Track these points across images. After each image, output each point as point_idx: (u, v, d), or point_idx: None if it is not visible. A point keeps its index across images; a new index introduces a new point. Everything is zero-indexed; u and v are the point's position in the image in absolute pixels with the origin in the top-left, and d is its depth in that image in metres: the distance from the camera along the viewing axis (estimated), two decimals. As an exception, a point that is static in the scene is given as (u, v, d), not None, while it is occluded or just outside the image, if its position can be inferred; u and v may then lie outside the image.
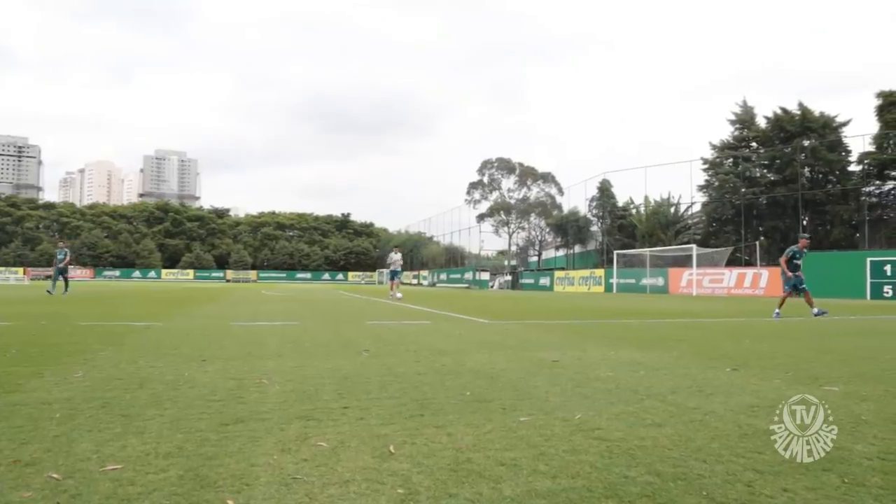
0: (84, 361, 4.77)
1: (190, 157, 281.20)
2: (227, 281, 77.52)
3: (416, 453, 2.43)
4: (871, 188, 36.36)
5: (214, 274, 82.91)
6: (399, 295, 19.59)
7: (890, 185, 36.04)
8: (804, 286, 12.50)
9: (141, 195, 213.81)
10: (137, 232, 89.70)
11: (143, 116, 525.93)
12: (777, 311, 12.23)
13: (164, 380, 4.02)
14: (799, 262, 12.68)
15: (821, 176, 37.78)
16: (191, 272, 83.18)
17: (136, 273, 79.91)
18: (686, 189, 69.99)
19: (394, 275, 21.44)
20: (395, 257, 21.56)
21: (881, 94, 35.76)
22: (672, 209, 45.29)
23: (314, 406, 3.29)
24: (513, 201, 69.25)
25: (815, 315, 11.80)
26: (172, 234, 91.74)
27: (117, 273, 79.10)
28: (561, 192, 66.05)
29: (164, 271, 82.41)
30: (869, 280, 27.37)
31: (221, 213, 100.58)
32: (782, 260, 12.86)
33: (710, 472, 2.22)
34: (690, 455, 2.44)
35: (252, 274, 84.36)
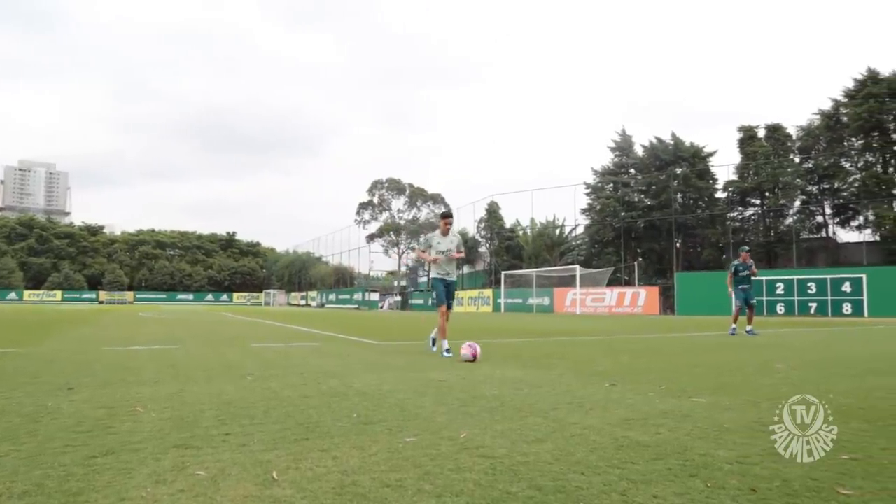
0: (-72, 393, 4.30)
1: (59, 170, 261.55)
2: (101, 303, 72.76)
3: (301, 478, 2.37)
4: (735, 213, 39.70)
5: (86, 295, 77.73)
6: (446, 346, 7.71)
7: (750, 210, 39.47)
8: (753, 301, 13.10)
9: (1, 209, 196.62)
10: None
11: (4, 124, 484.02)
12: (733, 326, 12.88)
13: (23, 412, 3.70)
14: (745, 274, 13.11)
15: (692, 201, 40.66)
16: (58, 293, 77.52)
17: (-6, 294, 73.40)
18: (570, 212, 73.24)
19: (447, 290, 8.11)
20: (448, 241, 8.13)
21: (742, 128, 39.26)
22: (557, 231, 47.08)
23: (193, 433, 3.13)
24: (402, 222, 69.64)
25: (748, 333, 12.32)
26: (37, 251, 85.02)
27: (-29, 295, 72.27)
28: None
29: (26, 292, 76.34)
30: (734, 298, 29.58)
31: (95, 231, 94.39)
32: (729, 276, 13.43)
33: (588, 484, 2.32)
34: (570, 468, 2.53)
35: (129, 295, 79.78)
